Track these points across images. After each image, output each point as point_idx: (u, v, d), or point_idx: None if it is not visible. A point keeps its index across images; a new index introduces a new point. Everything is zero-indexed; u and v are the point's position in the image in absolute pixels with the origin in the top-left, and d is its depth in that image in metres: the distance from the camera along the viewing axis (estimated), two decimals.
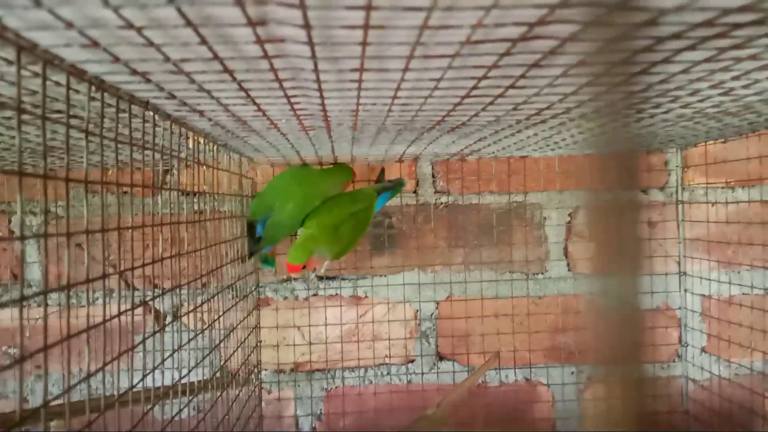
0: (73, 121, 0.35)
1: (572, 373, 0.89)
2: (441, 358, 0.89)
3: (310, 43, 0.28)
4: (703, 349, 0.88)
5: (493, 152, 0.80)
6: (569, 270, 0.89)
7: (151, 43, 0.28)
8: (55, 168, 0.77)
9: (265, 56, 0.30)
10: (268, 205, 0.74)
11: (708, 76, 0.37)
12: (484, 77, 0.35)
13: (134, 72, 0.33)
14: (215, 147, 0.64)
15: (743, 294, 0.86)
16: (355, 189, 0.81)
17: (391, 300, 0.88)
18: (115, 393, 0.80)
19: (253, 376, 0.82)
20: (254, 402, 0.82)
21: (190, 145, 0.56)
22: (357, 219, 0.75)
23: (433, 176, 0.89)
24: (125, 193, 0.78)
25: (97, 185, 0.35)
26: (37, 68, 0.30)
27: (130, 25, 0.26)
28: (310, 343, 0.88)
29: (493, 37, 0.28)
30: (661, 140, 0.73)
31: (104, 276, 0.36)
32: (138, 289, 0.84)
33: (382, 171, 0.84)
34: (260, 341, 0.86)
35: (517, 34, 0.27)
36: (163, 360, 0.49)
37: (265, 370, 0.87)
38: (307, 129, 0.55)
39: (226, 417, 0.65)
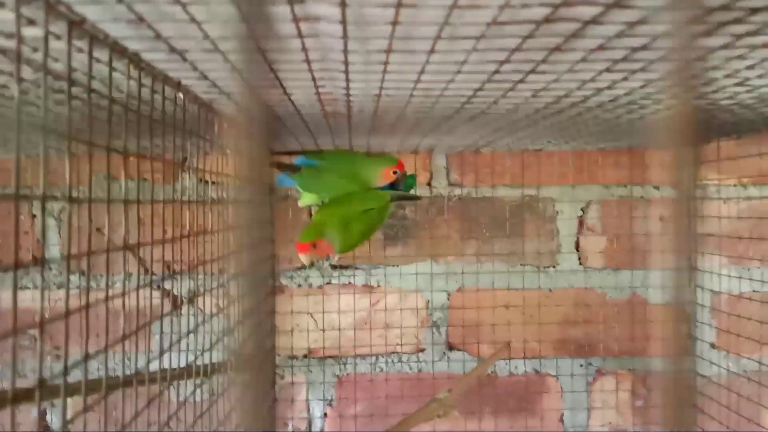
0: (106, 99, 0.37)
1: (581, 365, 0.90)
2: (451, 347, 0.90)
3: (344, 22, 0.29)
4: (712, 345, 0.88)
5: (508, 144, 0.81)
6: (580, 264, 0.90)
7: (193, 20, 0.29)
8: (77, 152, 0.79)
9: (299, 35, 0.32)
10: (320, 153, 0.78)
11: (724, 65, 0.38)
12: (506, 61, 0.36)
13: (172, 50, 0.35)
14: None
15: (753, 290, 0.87)
16: (374, 190, 0.80)
17: (403, 289, 0.90)
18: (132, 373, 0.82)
19: (267, 359, 0.83)
20: (267, 385, 0.84)
21: (216, 130, 0.57)
22: (368, 218, 0.76)
23: (447, 169, 0.90)
24: (145, 180, 0.79)
25: (128, 168, 0.37)
26: (82, 44, 0.32)
27: (176, 1, 0.27)
28: (324, 330, 0.89)
29: (519, 18, 0.29)
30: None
31: (124, 248, 0.37)
32: (156, 274, 0.86)
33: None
34: (275, 326, 0.88)
35: (542, 16, 0.29)
36: (178, 341, 0.51)
37: (279, 355, 0.89)
38: (328, 115, 0.57)
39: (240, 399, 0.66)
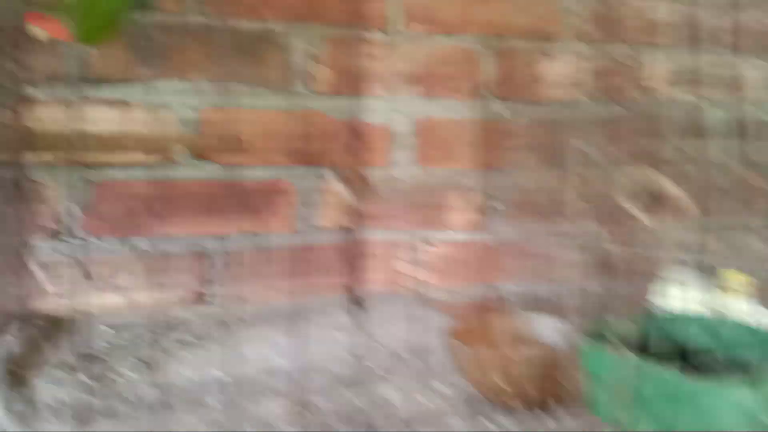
0: None
1: (313, 174, 1.09)
2: (202, 158, 1.03)
3: None
4: (413, 161, 1.14)
5: None
6: (311, 90, 1.09)
7: None
8: None
9: None
10: None
11: None
12: None
13: None
14: None
15: (445, 118, 1.14)
16: None
17: (154, 105, 1.00)
18: None
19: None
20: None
21: None
22: (108, 16, 0.86)
23: None
24: None
25: None
26: None
27: None
28: (76, 141, 0.96)
29: None
30: None
31: None
32: None
33: None
34: (26, 137, 0.93)
35: None
36: None
37: (31, 163, 0.94)
38: None
39: None
